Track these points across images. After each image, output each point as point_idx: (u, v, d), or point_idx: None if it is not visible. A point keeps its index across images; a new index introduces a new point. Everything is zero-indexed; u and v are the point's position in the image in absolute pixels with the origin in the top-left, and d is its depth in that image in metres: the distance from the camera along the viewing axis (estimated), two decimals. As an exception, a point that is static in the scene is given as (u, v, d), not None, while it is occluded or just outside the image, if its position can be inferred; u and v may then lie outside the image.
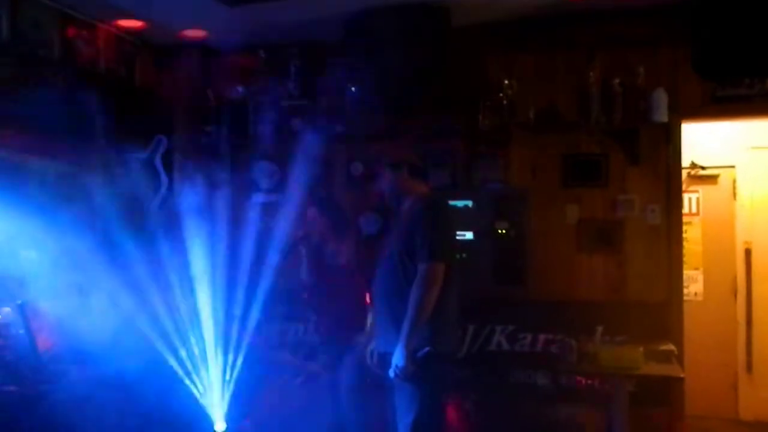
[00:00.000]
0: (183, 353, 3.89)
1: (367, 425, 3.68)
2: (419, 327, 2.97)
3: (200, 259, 4.26)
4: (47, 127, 3.88)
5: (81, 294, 3.74)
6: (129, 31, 4.52)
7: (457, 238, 3.95)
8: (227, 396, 3.76)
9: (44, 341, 3.45)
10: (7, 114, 3.68)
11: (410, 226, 3.07)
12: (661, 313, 4.03)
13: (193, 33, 4.58)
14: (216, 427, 3.81)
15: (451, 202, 3.89)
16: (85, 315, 3.63)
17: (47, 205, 3.88)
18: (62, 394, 3.18)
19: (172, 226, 4.62)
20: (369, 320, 3.61)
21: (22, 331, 3.41)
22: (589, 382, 4.10)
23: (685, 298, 4.24)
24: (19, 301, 3.46)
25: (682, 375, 3.60)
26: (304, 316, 4.16)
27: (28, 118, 3.69)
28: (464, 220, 4.13)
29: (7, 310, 3.56)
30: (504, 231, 4.16)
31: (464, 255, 4.04)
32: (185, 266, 4.16)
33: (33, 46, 3.83)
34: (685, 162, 4.67)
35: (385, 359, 3.19)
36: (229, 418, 3.72)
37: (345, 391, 3.68)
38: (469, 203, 4.23)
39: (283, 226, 4.61)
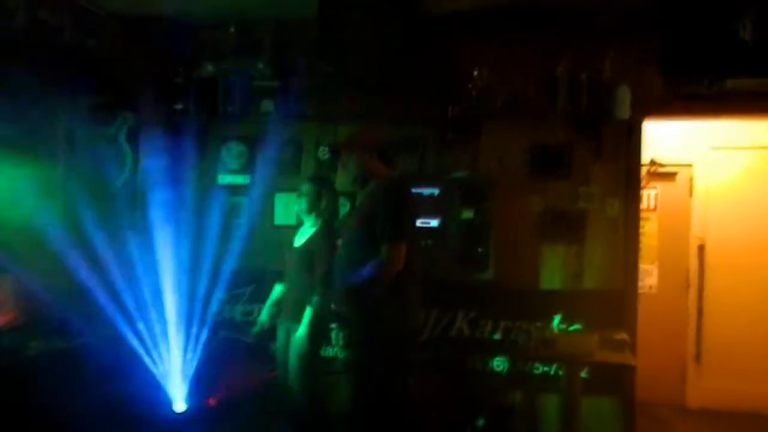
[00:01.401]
0: (144, 332, 3.88)
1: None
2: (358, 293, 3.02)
3: (164, 238, 4.24)
4: (9, 100, 3.81)
5: (42, 268, 3.68)
6: (96, 1, 4.42)
7: (423, 224, 4.03)
8: (188, 376, 3.76)
9: (4, 315, 3.41)
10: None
11: (373, 207, 3.11)
12: (616, 303, 4.15)
13: (163, 6, 4.50)
14: (176, 407, 3.81)
15: (417, 190, 3.94)
16: (46, 289, 3.58)
17: (7, 179, 3.80)
18: (20, 369, 3.15)
19: (136, 204, 4.58)
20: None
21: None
22: (546, 369, 4.23)
23: (640, 290, 4.37)
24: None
25: (633, 363, 3.73)
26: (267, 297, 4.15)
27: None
28: (430, 207, 4.19)
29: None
30: (469, 218, 4.24)
31: (429, 242, 4.11)
32: (149, 244, 4.14)
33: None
34: (646, 158, 4.80)
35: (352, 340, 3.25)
36: (191, 398, 3.73)
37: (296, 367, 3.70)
38: (435, 191, 4.28)
39: (250, 207, 4.63)
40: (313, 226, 3.83)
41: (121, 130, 4.79)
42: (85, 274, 3.69)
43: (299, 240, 3.86)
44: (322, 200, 3.79)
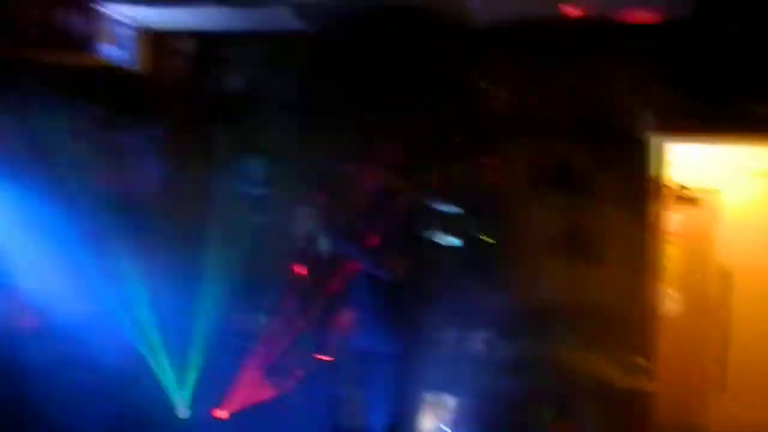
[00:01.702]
0: (152, 340, 3.92)
1: None
2: None
3: (182, 248, 4.30)
4: (40, 109, 3.91)
5: (57, 276, 3.75)
6: (127, 14, 4.53)
7: (437, 241, 4.02)
8: (193, 383, 3.78)
9: (23, 321, 3.48)
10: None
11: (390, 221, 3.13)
12: (635, 326, 4.06)
13: (194, 19, 4.59)
14: (179, 414, 3.83)
15: (433, 207, 3.94)
16: (59, 297, 3.65)
17: (28, 186, 3.88)
18: (33, 375, 3.21)
19: (159, 214, 4.66)
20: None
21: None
22: (558, 390, 4.15)
23: (662, 314, 4.28)
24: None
25: (650, 388, 3.65)
26: (278, 308, 4.17)
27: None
28: (445, 224, 4.17)
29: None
30: (485, 236, 4.21)
31: (442, 258, 4.09)
32: (167, 254, 4.20)
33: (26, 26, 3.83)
34: (673, 182, 4.72)
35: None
36: (195, 406, 3.75)
37: None
38: (451, 208, 4.26)
39: (271, 219, 4.67)
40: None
41: (149, 141, 4.88)
42: (93, 278, 3.75)
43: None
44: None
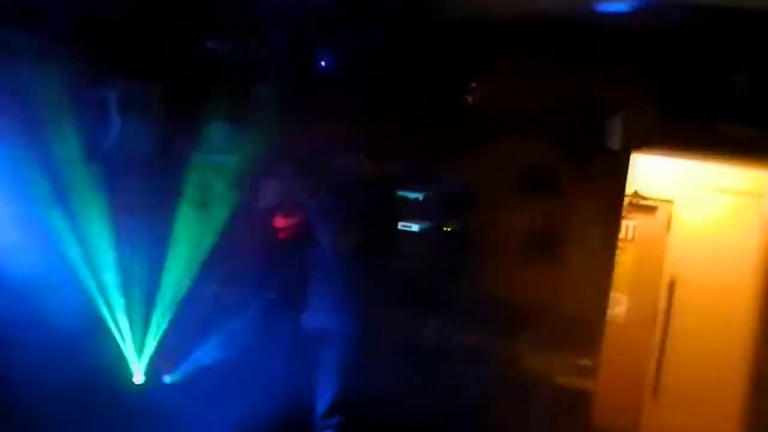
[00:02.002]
0: (110, 301, 3.84)
1: None
2: None
3: (144, 208, 4.19)
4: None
5: (14, 227, 3.62)
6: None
7: (404, 228, 4.05)
8: (151, 350, 3.74)
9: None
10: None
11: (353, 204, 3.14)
12: (584, 328, 4.19)
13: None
14: (134, 379, 3.79)
15: (402, 193, 3.95)
16: (15, 248, 3.53)
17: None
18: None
19: (120, 171, 4.53)
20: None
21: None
22: (510, 383, 4.26)
23: (608, 318, 4.42)
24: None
25: (592, 389, 3.77)
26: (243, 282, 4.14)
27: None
28: (413, 211, 4.20)
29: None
30: (451, 227, 4.26)
31: (409, 245, 4.12)
32: (128, 213, 4.09)
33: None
34: (629, 189, 4.83)
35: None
36: (151, 372, 3.71)
37: None
38: (419, 196, 4.29)
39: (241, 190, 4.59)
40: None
41: (112, 94, 4.73)
42: (58, 234, 3.63)
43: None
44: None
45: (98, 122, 4.62)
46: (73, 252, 3.71)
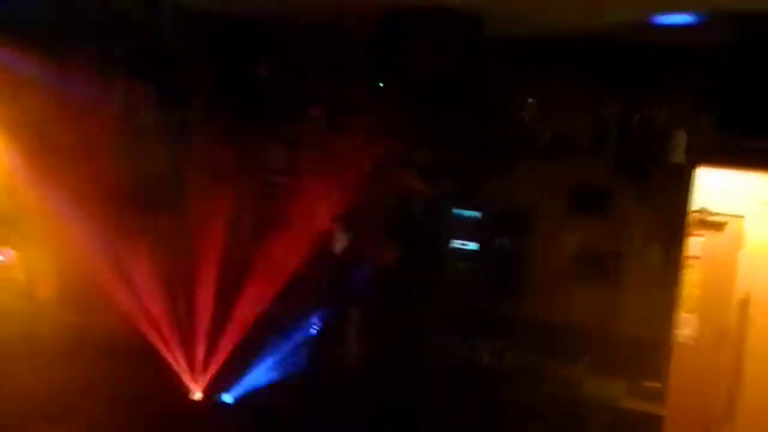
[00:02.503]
0: (168, 320, 3.94)
1: None
2: None
3: (205, 231, 4.31)
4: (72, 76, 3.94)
5: (81, 244, 3.77)
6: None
7: (460, 246, 4.01)
8: (210, 368, 3.81)
9: (44, 287, 3.51)
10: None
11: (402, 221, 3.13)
12: (650, 350, 4.03)
13: (225, 5, 4.60)
14: (193, 396, 3.86)
15: (457, 212, 3.93)
16: (82, 265, 3.67)
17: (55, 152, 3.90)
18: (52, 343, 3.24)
19: (184, 196, 4.68)
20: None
21: (22, 276, 3.47)
22: (569, 408, 4.12)
23: (676, 339, 4.25)
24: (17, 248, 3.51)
25: (662, 413, 3.61)
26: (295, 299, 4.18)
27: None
28: (467, 230, 4.16)
29: (10, 252, 3.62)
30: (505, 247, 4.20)
31: (463, 265, 4.08)
32: (187, 237, 4.21)
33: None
34: (695, 205, 4.66)
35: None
36: (210, 390, 3.77)
37: None
38: (475, 215, 4.26)
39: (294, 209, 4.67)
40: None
41: (172, 121, 4.90)
42: (120, 250, 3.77)
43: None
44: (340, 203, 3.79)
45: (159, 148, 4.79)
46: (138, 275, 3.83)
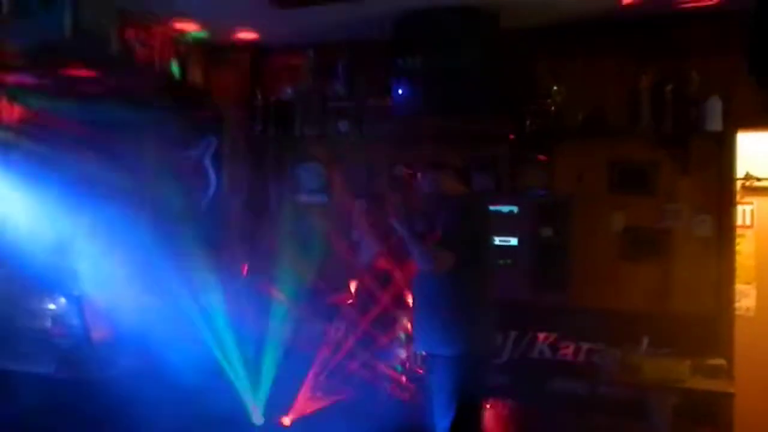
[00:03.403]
0: (225, 348, 3.99)
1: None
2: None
3: (245, 258, 4.35)
4: (103, 123, 4.05)
5: (132, 286, 3.85)
6: (183, 31, 4.63)
7: (502, 243, 3.96)
8: (267, 391, 3.83)
9: (99, 331, 3.58)
10: (65, 108, 3.84)
11: (447, 223, 3.10)
12: (709, 326, 3.91)
13: (245, 34, 4.68)
14: (254, 421, 3.89)
15: (495, 208, 3.88)
16: (135, 307, 3.75)
17: (100, 199, 4.01)
18: (111, 384, 3.30)
19: (219, 225, 4.75)
20: (405, 322, 3.65)
21: (76, 321, 3.55)
22: (632, 394, 4.02)
23: (736, 312, 4.11)
24: (75, 293, 3.61)
25: (731, 390, 3.49)
26: (343, 317, 4.18)
27: (87, 112, 3.84)
28: (508, 225, 4.11)
29: (62, 300, 3.71)
30: (548, 237, 4.13)
31: (508, 261, 4.03)
32: (231, 265, 4.26)
33: (93, 45, 3.95)
34: (740, 172, 4.52)
35: (426, 360, 3.22)
36: (268, 414, 3.80)
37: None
38: (514, 209, 4.20)
39: (329, 226, 4.70)
40: (374, 245, 3.80)
41: (205, 153, 4.97)
42: (170, 290, 3.84)
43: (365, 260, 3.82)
44: (379, 214, 3.75)
45: (197, 181, 4.88)
46: (187, 306, 3.90)
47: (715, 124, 3.91)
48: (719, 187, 4.05)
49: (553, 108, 4.14)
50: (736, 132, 3.98)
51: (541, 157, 4.30)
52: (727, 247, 4.05)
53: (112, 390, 3.26)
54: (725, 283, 4.01)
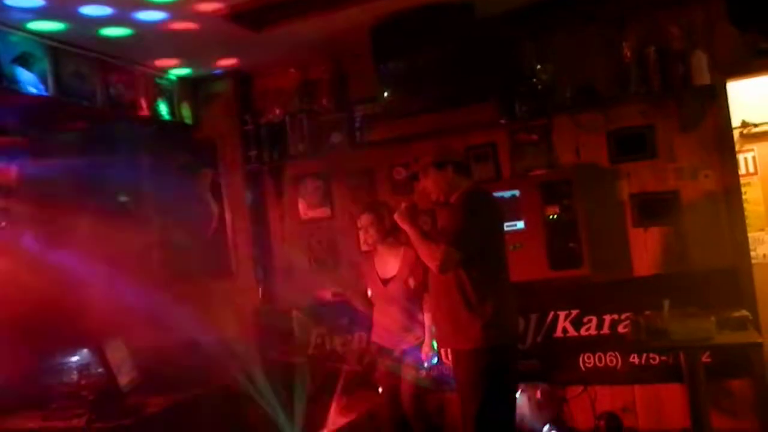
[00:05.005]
0: (253, 374, 4.01)
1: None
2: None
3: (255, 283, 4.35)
4: (98, 174, 4.08)
5: (152, 325, 3.87)
6: (165, 69, 4.67)
7: (509, 228, 3.95)
8: (300, 413, 3.84)
9: (124, 376, 3.59)
10: (58, 163, 3.88)
11: (452, 220, 3.09)
12: (729, 279, 3.89)
13: (226, 62, 4.71)
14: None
15: (498, 194, 3.87)
16: (158, 345, 3.77)
17: (102, 245, 4.03)
18: (142, 427, 3.32)
19: (225, 255, 4.77)
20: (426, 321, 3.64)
21: (101, 370, 3.57)
22: (663, 358, 4.01)
23: (753, 261, 4.09)
24: (97, 341, 3.62)
25: (760, 340, 3.46)
26: (363, 326, 4.19)
27: (81, 166, 3.88)
28: (513, 210, 4.10)
29: (85, 351, 3.73)
30: (554, 216, 4.12)
31: (518, 244, 4.02)
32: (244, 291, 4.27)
33: (77, 98, 3.98)
34: (736, 121, 4.50)
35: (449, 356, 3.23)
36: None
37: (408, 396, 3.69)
38: (516, 193, 4.20)
39: (336, 239, 4.71)
40: (394, 249, 3.78)
41: (204, 186, 5.00)
42: (188, 326, 3.86)
43: (388, 269, 3.81)
44: (385, 221, 3.75)
45: (200, 214, 4.91)
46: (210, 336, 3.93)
47: (703, 77, 3.90)
48: (717, 139, 4.04)
49: (540, 87, 4.14)
50: (725, 82, 3.96)
51: (535, 137, 4.30)
52: (735, 198, 4.03)
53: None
54: (738, 233, 3.99)
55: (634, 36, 4.02)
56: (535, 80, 4.15)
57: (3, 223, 3.81)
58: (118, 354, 3.60)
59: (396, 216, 3.25)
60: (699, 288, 3.81)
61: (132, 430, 3.32)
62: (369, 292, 3.89)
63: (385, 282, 3.77)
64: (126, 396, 3.52)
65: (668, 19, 4.00)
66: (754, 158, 5.12)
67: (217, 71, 4.84)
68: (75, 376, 3.69)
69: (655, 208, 4.10)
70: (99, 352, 3.54)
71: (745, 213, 4.14)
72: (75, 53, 3.95)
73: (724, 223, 4.00)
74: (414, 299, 3.68)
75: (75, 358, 3.77)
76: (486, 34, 4.03)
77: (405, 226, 3.19)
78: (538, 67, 4.17)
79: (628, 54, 4.00)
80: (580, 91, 4.14)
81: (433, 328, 3.53)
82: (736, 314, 3.51)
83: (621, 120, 4.16)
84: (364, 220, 3.77)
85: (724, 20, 3.51)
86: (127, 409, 3.44)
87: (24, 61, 3.63)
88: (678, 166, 4.10)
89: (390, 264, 3.78)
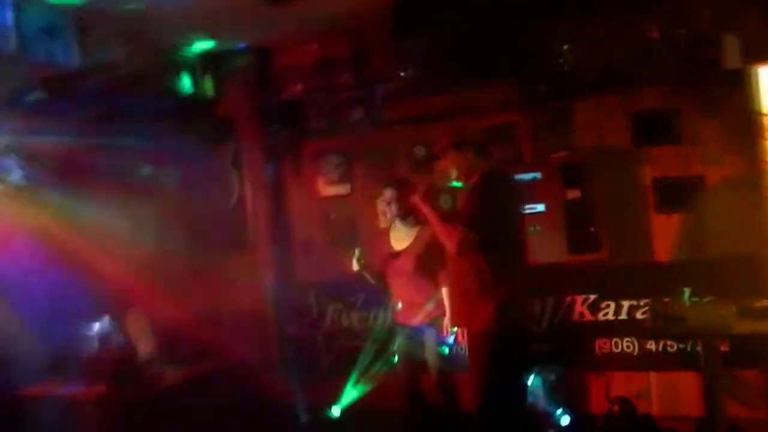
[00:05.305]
0: (269, 348, 4.05)
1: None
2: None
3: (274, 258, 4.38)
4: (120, 146, 4.12)
5: (171, 297, 3.92)
6: (188, 42, 4.65)
7: (530, 210, 3.93)
8: (313, 386, 3.88)
9: (144, 347, 3.66)
10: (82, 134, 3.92)
11: (470, 202, 3.08)
12: (751, 268, 3.82)
13: (248, 38, 4.68)
14: (302, 418, 3.94)
15: (518, 176, 3.84)
16: (177, 317, 3.82)
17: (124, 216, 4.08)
18: (160, 397, 3.38)
19: (244, 229, 4.81)
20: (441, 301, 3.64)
21: (121, 340, 3.63)
22: (681, 346, 3.97)
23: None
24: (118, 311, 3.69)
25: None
26: (379, 303, 4.20)
27: (104, 137, 3.91)
28: (533, 192, 4.07)
29: (106, 319, 3.80)
30: (575, 199, 4.08)
31: (538, 227, 4.00)
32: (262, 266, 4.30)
33: (103, 69, 4.01)
34: (764, 108, 4.40)
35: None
36: (315, 409, 3.83)
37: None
38: (537, 175, 4.15)
39: (354, 217, 4.72)
40: (411, 227, 3.77)
41: (225, 160, 5.03)
42: (207, 299, 3.90)
43: (401, 244, 3.81)
44: (408, 199, 3.72)
45: (221, 188, 4.94)
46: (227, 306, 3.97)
47: (732, 61, 3.80)
48: (744, 125, 3.94)
49: (565, 68, 4.07)
50: (755, 66, 3.86)
51: (558, 119, 4.24)
52: (760, 185, 3.95)
53: (164, 403, 3.33)
54: (763, 221, 3.92)
55: (662, 17, 3.93)
56: (558, 60, 4.08)
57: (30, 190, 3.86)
58: (138, 324, 3.65)
59: (415, 197, 3.24)
60: (720, 275, 3.77)
61: (150, 401, 3.38)
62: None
63: (395, 255, 3.77)
64: (145, 367, 3.57)
65: (698, 1, 3.90)
66: (782, 146, 4.99)
67: (240, 45, 4.82)
68: (96, 345, 3.75)
69: (677, 193, 4.03)
70: (120, 321, 3.60)
71: (769, 201, 4.05)
72: (100, 25, 3.96)
73: (748, 211, 3.92)
74: (423, 275, 3.66)
75: (96, 327, 3.83)
76: (508, 13, 3.97)
77: (424, 208, 3.18)
78: (563, 47, 4.10)
79: (656, 36, 3.91)
80: (603, 72, 4.06)
81: (446, 310, 3.53)
82: (759, 304, 3.45)
83: (645, 103, 4.09)
84: (388, 195, 3.76)
85: (755, 4, 3.41)
86: (146, 380, 3.50)
87: (49, 32, 3.65)
88: (703, 152, 4.02)
89: (403, 240, 3.78)
